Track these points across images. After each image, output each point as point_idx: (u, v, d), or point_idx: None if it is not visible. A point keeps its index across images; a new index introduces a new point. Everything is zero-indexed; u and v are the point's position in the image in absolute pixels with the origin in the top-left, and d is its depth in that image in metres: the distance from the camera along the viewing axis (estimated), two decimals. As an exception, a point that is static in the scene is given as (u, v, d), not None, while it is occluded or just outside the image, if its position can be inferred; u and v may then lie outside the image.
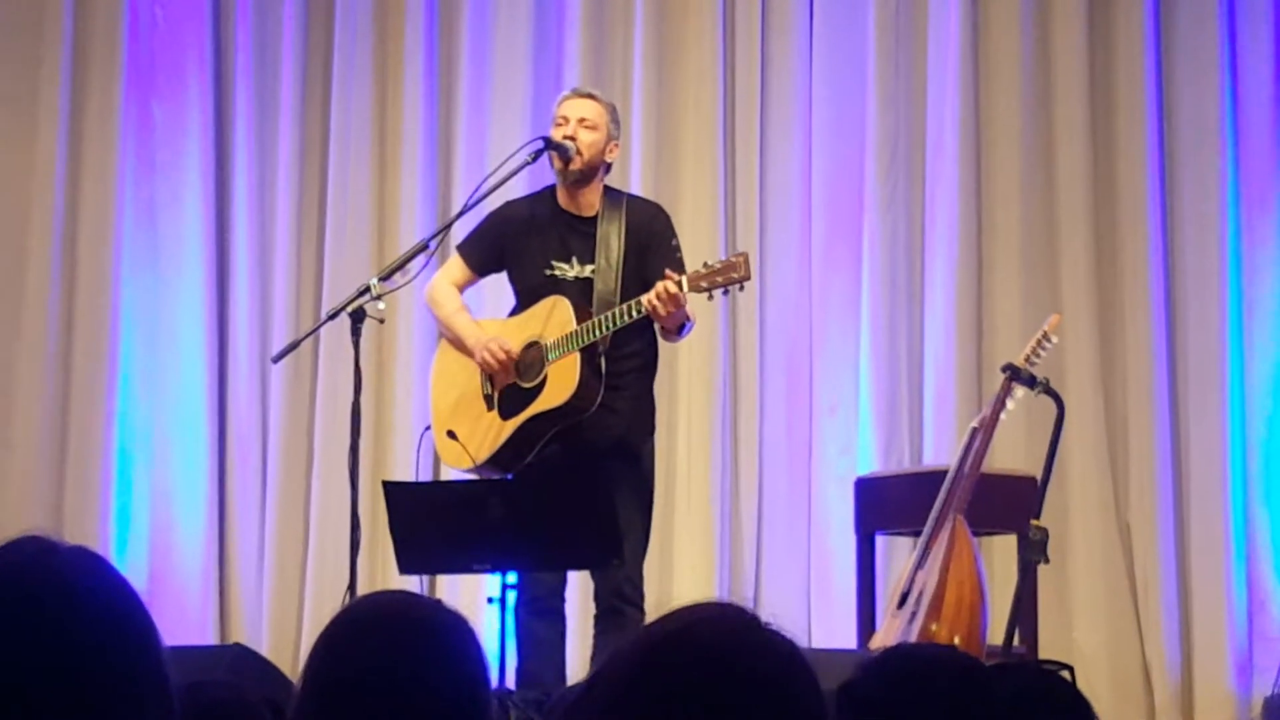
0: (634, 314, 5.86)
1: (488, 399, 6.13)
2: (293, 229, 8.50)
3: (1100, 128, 8.30)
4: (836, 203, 8.34)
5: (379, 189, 8.53)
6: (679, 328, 5.93)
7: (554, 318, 6.02)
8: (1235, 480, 7.97)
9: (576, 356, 5.94)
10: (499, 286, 6.44)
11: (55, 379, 8.42)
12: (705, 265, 5.87)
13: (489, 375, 6.14)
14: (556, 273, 6.12)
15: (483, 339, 6.12)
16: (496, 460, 6.08)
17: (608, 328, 5.92)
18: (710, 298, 5.91)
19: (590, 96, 6.31)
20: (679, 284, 5.78)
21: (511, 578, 5.68)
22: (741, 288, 5.89)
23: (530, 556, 5.68)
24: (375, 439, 8.17)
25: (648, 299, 5.79)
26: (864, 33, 8.34)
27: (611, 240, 6.09)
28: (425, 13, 8.51)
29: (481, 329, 6.21)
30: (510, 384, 6.09)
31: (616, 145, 6.28)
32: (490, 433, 6.09)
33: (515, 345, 6.08)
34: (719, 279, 5.82)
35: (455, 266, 6.36)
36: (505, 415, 6.07)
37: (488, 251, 6.29)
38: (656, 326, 6.03)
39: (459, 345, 6.23)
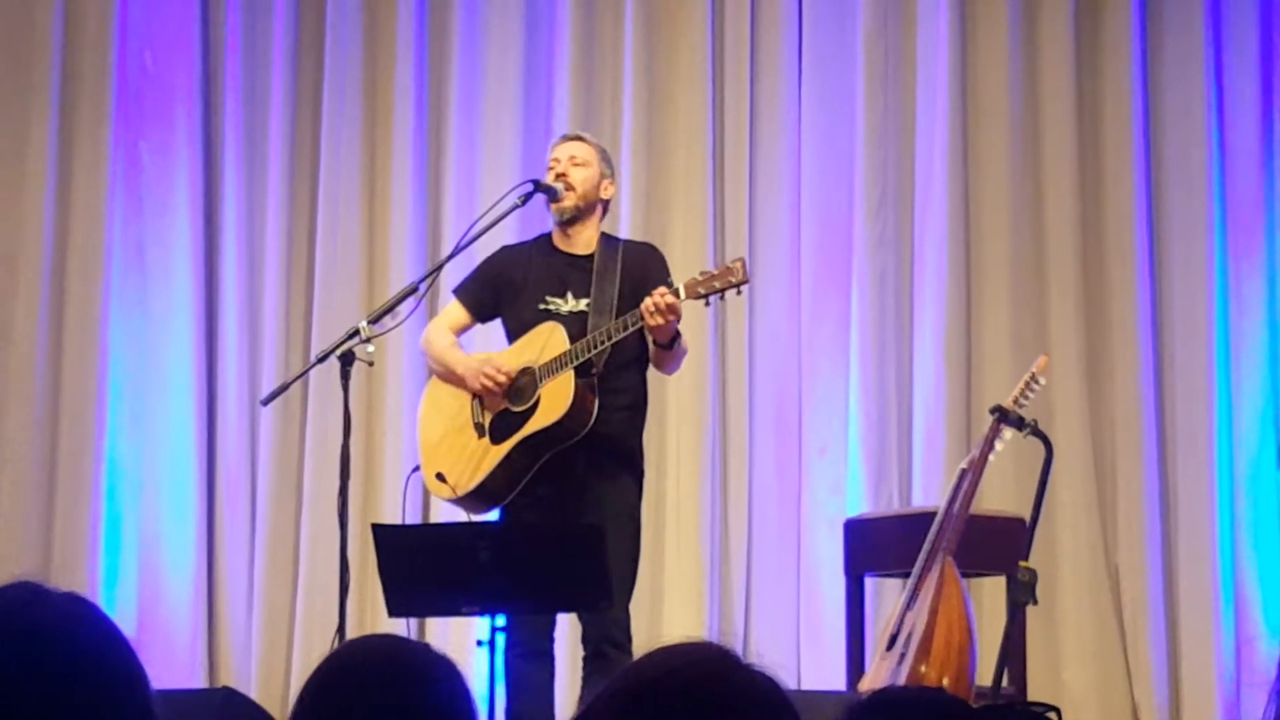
0: (629, 325, 5.85)
1: (478, 427, 6.10)
2: (282, 271, 8.50)
3: (1088, 169, 8.33)
4: (825, 243, 8.36)
5: (368, 231, 8.53)
6: (671, 343, 5.93)
7: (549, 344, 6.02)
8: (1223, 522, 7.98)
9: (570, 374, 5.93)
10: (490, 329, 6.44)
11: (44, 420, 8.41)
12: (701, 272, 5.87)
13: (481, 403, 6.13)
14: (550, 307, 6.11)
15: (475, 365, 6.12)
16: (485, 488, 6.02)
17: (602, 342, 5.90)
18: (707, 304, 5.91)
19: (579, 138, 6.34)
20: (675, 292, 5.78)
21: (501, 620, 5.67)
22: (739, 292, 5.88)
23: (519, 599, 5.67)
24: (364, 481, 8.17)
25: (644, 306, 5.78)
26: (853, 72, 8.37)
27: (607, 276, 6.09)
28: (415, 56, 8.53)
29: (473, 358, 6.20)
30: (502, 409, 6.07)
31: (612, 183, 6.29)
32: (476, 458, 6.05)
33: (510, 368, 6.07)
34: (716, 284, 5.81)
35: (453, 311, 6.36)
36: (496, 440, 6.05)
37: (485, 294, 6.30)
38: (650, 353, 6.03)
39: (450, 378, 6.22)
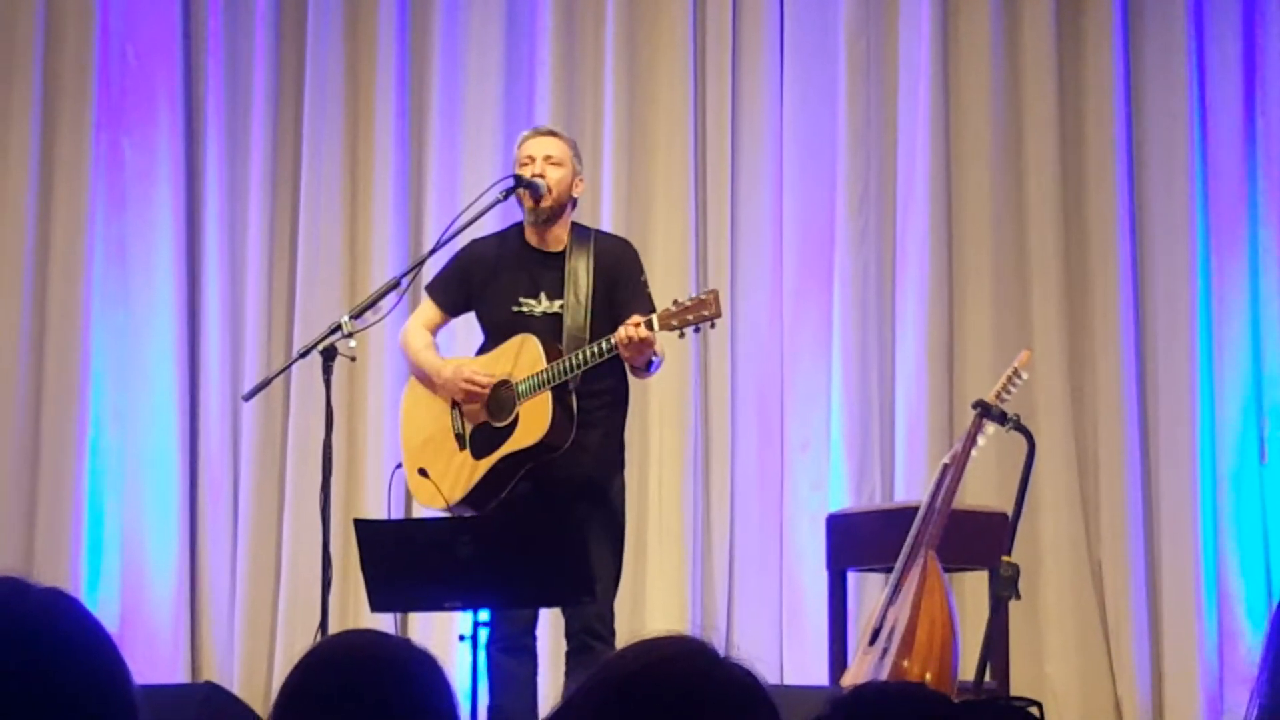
0: (604, 351, 5.87)
1: (459, 438, 6.13)
2: (264, 266, 8.49)
3: (1071, 165, 8.34)
4: (807, 239, 8.36)
5: (350, 226, 8.53)
6: (647, 364, 5.94)
7: (523, 356, 6.02)
8: (1205, 517, 7.99)
9: (548, 395, 5.95)
10: (469, 322, 6.45)
11: (26, 416, 8.40)
12: (675, 303, 5.87)
13: (460, 413, 6.14)
14: (524, 309, 6.12)
15: (449, 375, 6.12)
16: (470, 500, 6.07)
17: (578, 365, 5.92)
18: (681, 335, 5.92)
19: (552, 134, 6.32)
20: (649, 323, 5.79)
21: (483, 615, 5.68)
22: (713, 325, 5.90)
23: (501, 594, 5.68)
24: (347, 477, 8.17)
25: (619, 336, 5.80)
26: (834, 70, 8.37)
27: (580, 276, 6.09)
28: (396, 53, 8.52)
29: (447, 365, 6.21)
30: (482, 423, 6.09)
31: (582, 180, 6.29)
32: (463, 472, 6.08)
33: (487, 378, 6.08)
34: (689, 317, 5.82)
35: (426, 309, 6.38)
36: (478, 455, 6.07)
37: (456, 291, 6.30)
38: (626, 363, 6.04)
39: (427, 382, 6.24)
